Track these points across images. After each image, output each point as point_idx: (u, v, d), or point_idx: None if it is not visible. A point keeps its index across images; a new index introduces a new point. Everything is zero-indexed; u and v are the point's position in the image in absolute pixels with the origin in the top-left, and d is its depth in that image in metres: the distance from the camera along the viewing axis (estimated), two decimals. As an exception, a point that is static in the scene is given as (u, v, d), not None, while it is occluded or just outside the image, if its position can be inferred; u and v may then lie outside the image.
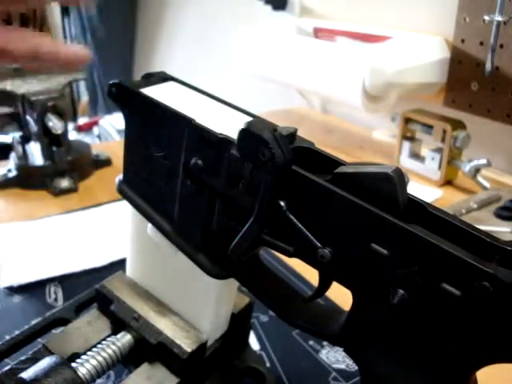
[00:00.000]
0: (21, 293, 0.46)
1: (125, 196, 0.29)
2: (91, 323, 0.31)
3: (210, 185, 0.24)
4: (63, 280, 0.48)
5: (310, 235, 0.21)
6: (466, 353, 0.19)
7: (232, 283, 0.29)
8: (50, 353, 0.29)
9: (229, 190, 0.23)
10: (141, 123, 0.27)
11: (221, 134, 0.23)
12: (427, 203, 0.20)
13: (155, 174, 0.27)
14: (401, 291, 0.19)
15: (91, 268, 0.50)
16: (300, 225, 0.22)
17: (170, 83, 0.29)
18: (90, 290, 0.36)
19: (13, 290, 0.47)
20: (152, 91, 0.27)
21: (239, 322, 0.32)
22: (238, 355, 0.34)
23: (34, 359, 0.28)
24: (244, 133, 0.21)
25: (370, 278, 0.20)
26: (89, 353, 0.28)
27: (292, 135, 0.22)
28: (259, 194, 0.22)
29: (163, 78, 0.29)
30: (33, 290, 0.47)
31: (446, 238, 0.19)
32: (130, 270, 0.33)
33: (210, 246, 0.26)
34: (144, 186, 0.28)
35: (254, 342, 0.40)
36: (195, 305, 0.29)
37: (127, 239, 0.32)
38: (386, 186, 0.19)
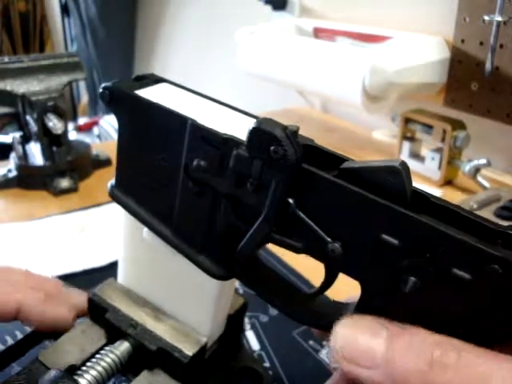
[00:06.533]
0: (21, 293, 0.46)
1: (118, 201, 0.29)
2: (85, 332, 0.30)
3: (214, 186, 0.24)
4: (63, 280, 0.48)
5: (319, 231, 0.22)
6: (478, 336, 0.19)
7: (231, 284, 0.29)
8: (44, 366, 0.27)
9: (235, 190, 0.23)
10: (137, 126, 0.27)
11: (225, 134, 0.23)
12: (430, 194, 0.21)
13: (153, 177, 0.27)
14: (412, 278, 0.20)
15: (91, 268, 0.50)
16: (310, 221, 0.22)
17: (164, 85, 0.28)
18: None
19: (13, 290, 0.47)
20: (147, 93, 0.26)
21: (235, 323, 0.32)
22: (235, 356, 0.34)
23: (28, 373, 0.27)
24: (255, 131, 0.21)
25: (381, 268, 0.21)
26: (88, 364, 0.27)
27: (296, 133, 0.22)
28: (270, 192, 0.22)
29: (155, 79, 0.28)
30: (33, 289, 0.47)
31: (451, 226, 0.19)
32: (122, 277, 0.32)
33: (212, 248, 0.26)
34: (140, 189, 0.28)
35: (254, 341, 0.40)
36: (194, 308, 0.29)
37: (120, 245, 0.31)
38: (394, 179, 0.20)
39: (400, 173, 0.20)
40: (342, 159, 0.22)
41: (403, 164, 0.20)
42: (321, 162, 0.22)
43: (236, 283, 0.46)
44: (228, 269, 0.26)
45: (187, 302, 0.29)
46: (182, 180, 0.25)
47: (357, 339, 0.20)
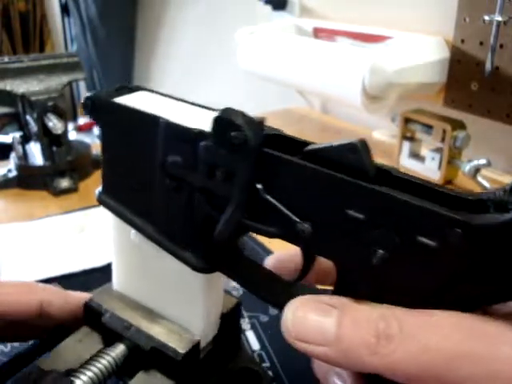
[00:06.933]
0: (21, 293, 0.46)
1: (105, 205, 0.30)
2: (82, 340, 0.31)
3: (189, 180, 0.25)
4: (63, 280, 0.48)
5: (288, 212, 0.22)
6: (451, 304, 0.20)
7: (217, 281, 0.30)
8: (44, 372, 0.28)
9: (207, 182, 0.24)
10: (116, 131, 0.28)
11: (195, 129, 0.24)
12: (393, 168, 0.22)
13: (135, 178, 0.28)
14: (380, 251, 0.20)
15: (91, 268, 0.50)
16: (278, 204, 0.23)
17: (141, 92, 0.30)
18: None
19: (13, 290, 0.47)
20: (124, 100, 0.28)
21: (229, 323, 0.32)
22: (233, 357, 0.34)
23: (27, 377, 0.28)
24: (218, 120, 0.22)
25: (351, 244, 0.21)
26: (84, 365, 0.28)
27: (261, 123, 0.23)
28: (237, 179, 0.23)
29: (133, 88, 0.30)
30: (33, 289, 0.47)
31: (416, 196, 0.20)
32: (116, 282, 0.33)
33: (193, 241, 0.27)
34: (124, 192, 0.29)
35: (253, 341, 0.40)
36: (184, 306, 0.30)
37: (112, 252, 0.32)
38: (352, 155, 0.21)
39: (357, 148, 0.20)
40: (308, 144, 0.23)
41: (362, 141, 0.21)
42: (290, 149, 0.23)
43: (233, 283, 0.46)
44: (210, 261, 0.27)
45: (177, 302, 0.30)
46: (159, 178, 0.26)
47: (307, 320, 0.21)
